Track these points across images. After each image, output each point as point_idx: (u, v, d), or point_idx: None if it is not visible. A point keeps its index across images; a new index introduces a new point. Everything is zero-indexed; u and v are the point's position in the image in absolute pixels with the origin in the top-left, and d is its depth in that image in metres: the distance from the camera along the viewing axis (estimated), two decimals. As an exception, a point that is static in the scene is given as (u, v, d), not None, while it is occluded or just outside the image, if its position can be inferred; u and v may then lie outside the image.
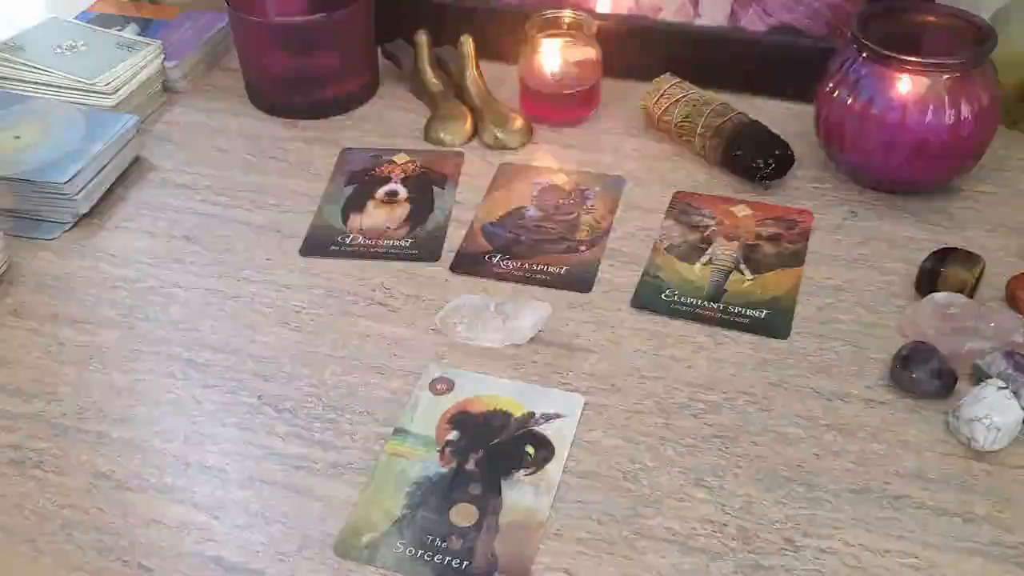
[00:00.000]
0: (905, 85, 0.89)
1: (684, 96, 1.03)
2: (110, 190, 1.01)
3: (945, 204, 0.96)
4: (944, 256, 0.86)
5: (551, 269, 0.90)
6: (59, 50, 1.12)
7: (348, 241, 0.94)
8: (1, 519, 0.71)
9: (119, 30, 1.19)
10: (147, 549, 0.68)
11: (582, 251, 0.92)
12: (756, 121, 1.00)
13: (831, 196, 0.97)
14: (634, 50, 1.12)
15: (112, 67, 1.09)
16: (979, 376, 0.77)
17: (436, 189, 1.00)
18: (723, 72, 1.09)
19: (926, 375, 0.76)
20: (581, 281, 0.89)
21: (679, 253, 0.91)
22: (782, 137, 0.98)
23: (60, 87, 1.08)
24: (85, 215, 0.97)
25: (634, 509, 0.70)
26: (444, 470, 0.73)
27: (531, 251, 0.92)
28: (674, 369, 0.80)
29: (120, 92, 1.08)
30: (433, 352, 0.83)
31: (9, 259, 0.92)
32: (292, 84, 1.12)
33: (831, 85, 0.94)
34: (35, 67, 1.09)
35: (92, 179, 0.97)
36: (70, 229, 0.97)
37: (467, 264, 0.91)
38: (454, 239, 0.94)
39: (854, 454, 0.73)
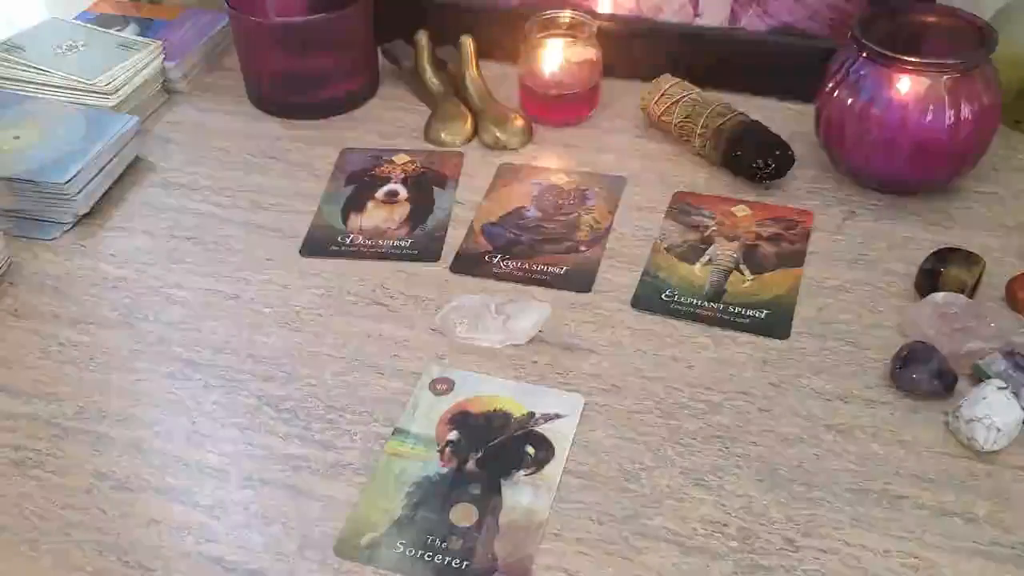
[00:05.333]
0: (905, 85, 0.89)
1: (684, 96, 1.03)
2: (110, 190, 1.01)
3: (945, 204, 0.96)
4: (944, 256, 0.86)
5: (551, 269, 0.90)
6: (59, 50, 1.12)
7: (348, 241, 0.94)
8: (1, 519, 0.71)
9: (119, 30, 1.19)
10: (147, 549, 0.68)
11: (582, 251, 0.92)
12: (756, 121, 1.00)
13: (831, 196, 0.97)
14: (634, 50, 1.12)
15: (112, 67, 1.09)
16: (979, 376, 0.77)
17: (436, 189, 1.00)
18: (723, 72, 1.09)
19: (926, 375, 0.76)
20: (581, 281, 0.89)
21: (679, 253, 0.91)
22: (782, 137, 0.98)
23: (60, 87, 1.08)
24: (85, 215, 0.97)
25: (634, 509, 0.70)
26: (444, 470, 0.73)
27: (531, 251, 0.92)
28: (674, 369, 0.80)
29: (120, 92, 1.08)
30: (433, 352, 0.83)
31: (9, 259, 0.92)
32: (292, 84, 1.12)
33: (831, 85, 0.94)
34: (35, 67, 1.09)
35: (92, 179, 0.97)
36: (70, 229, 0.97)
37: (467, 264, 0.91)
38: (454, 239, 0.94)
39: (854, 454, 0.73)
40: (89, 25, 1.19)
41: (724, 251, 0.91)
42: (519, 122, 1.07)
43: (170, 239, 0.96)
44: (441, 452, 0.74)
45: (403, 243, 0.94)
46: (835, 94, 0.93)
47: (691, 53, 1.10)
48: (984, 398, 0.72)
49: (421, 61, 1.12)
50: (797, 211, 0.95)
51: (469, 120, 1.07)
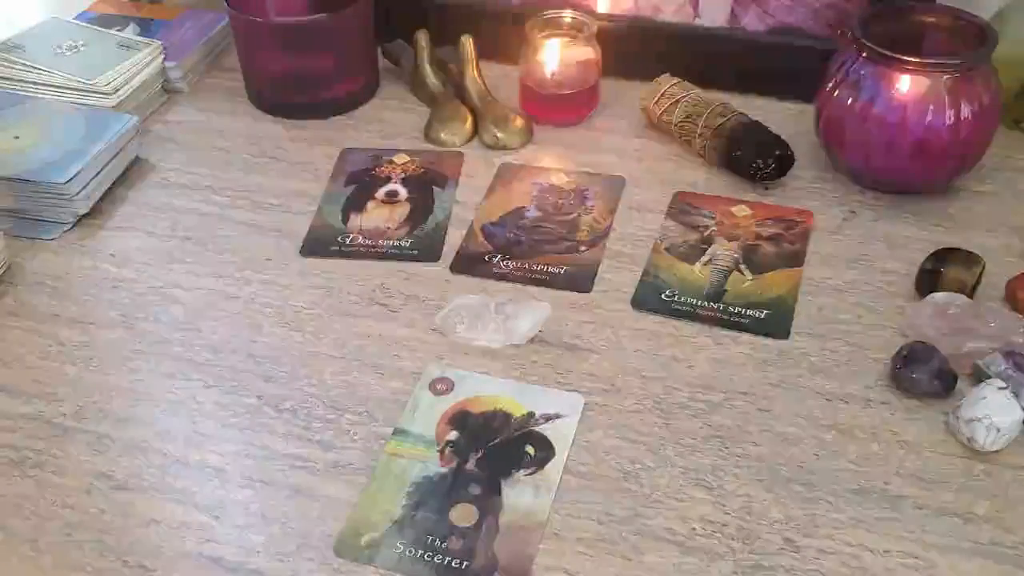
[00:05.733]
0: (905, 85, 0.89)
1: (684, 96, 1.03)
2: (110, 190, 1.01)
3: (945, 204, 0.96)
4: (944, 256, 0.86)
5: (551, 269, 0.90)
6: (59, 50, 1.12)
7: (348, 241, 0.94)
8: (1, 519, 0.71)
9: (119, 30, 1.19)
10: (147, 549, 0.68)
11: (582, 251, 0.92)
12: (756, 121, 1.00)
13: (831, 196, 0.97)
14: (634, 50, 1.12)
15: (112, 67, 1.09)
16: (979, 376, 0.77)
17: (436, 189, 1.00)
18: (723, 72, 1.09)
19: (926, 375, 0.76)
20: (581, 281, 0.89)
21: (679, 253, 0.91)
22: (782, 137, 0.98)
23: (60, 87, 1.08)
24: (85, 215, 0.97)
25: (634, 509, 0.70)
26: (444, 470, 0.73)
27: (531, 251, 0.92)
28: (674, 369, 0.80)
29: (120, 92, 1.08)
30: (433, 352, 0.83)
31: (9, 259, 0.92)
32: (292, 84, 1.12)
33: (831, 85, 0.94)
34: (35, 67, 1.09)
35: (92, 179, 0.97)
36: (70, 229, 0.97)
37: (467, 264, 0.91)
38: (454, 239, 0.94)
39: (854, 454, 0.73)
40: (89, 25, 1.19)
41: (724, 251, 0.91)
42: (519, 122, 1.07)
43: (170, 239, 0.96)
44: (441, 452, 0.74)
45: (403, 243, 0.94)
46: (835, 94, 0.93)
47: (691, 53, 1.10)
48: (984, 398, 0.72)
49: (421, 61, 1.12)
50: (797, 211, 0.95)
51: (469, 120, 1.07)
